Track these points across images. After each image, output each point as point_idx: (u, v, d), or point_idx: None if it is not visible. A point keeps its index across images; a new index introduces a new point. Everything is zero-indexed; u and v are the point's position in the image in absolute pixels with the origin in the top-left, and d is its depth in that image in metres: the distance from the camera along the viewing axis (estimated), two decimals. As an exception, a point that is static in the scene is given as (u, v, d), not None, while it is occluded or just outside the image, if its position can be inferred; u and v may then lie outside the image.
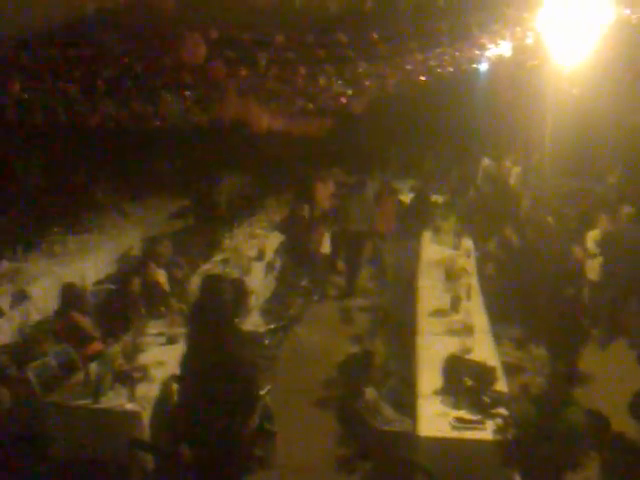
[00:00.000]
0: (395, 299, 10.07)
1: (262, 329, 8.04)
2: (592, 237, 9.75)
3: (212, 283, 5.53)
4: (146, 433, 5.76)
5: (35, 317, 9.30)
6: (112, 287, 9.30)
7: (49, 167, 15.33)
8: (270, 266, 10.76)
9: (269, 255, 11.05)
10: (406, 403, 6.24)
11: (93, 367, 6.23)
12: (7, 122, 12.05)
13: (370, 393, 6.02)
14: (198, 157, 18.25)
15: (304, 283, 10.86)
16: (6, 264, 9.76)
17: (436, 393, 5.92)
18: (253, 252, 10.84)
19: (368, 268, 12.41)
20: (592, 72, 9.73)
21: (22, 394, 6.30)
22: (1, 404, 5.89)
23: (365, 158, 17.48)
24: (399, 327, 8.75)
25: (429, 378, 6.17)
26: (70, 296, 7.74)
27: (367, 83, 10.30)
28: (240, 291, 7.03)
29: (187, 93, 10.00)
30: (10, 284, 9.31)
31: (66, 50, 8.27)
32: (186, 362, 5.15)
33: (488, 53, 9.60)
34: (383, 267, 11.92)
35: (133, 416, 5.72)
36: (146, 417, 5.75)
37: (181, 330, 7.29)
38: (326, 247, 11.86)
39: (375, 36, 7.48)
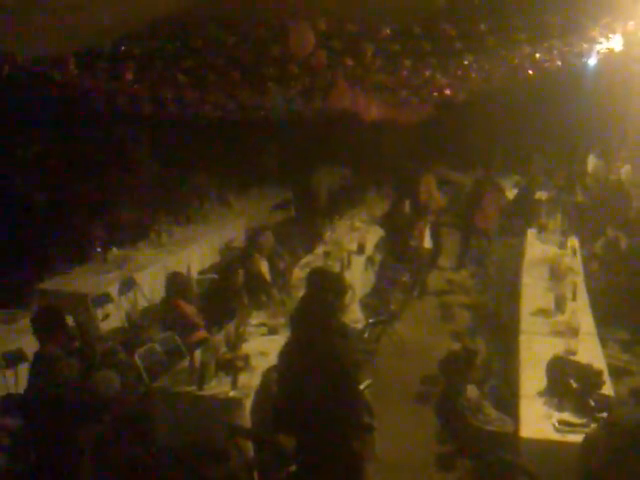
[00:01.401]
0: (498, 297, 9.89)
1: (361, 323, 8.05)
2: None
3: (317, 276, 5.57)
4: (247, 421, 5.86)
5: (142, 304, 9.61)
6: (215, 277, 9.48)
7: (158, 157, 15.77)
8: (370, 260, 10.75)
9: (369, 249, 11.04)
10: (508, 403, 6.13)
11: (197, 354, 6.36)
12: (119, 112, 12.42)
13: (471, 391, 5.93)
14: (301, 148, 18.41)
15: (404, 278, 10.82)
16: (116, 252, 10.07)
17: (539, 394, 5.77)
18: (353, 246, 10.86)
19: (471, 265, 12.28)
20: None
21: (130, 379, 6.50)
22: (111, 388, 6.08)
23: (469, 152, 17.25)
24: (501, 326, 8.61)
25: (532, 379, 6.02)
26: (176, 284, 7.92)
27: (473, 75, 10.12)
28: (341, 285, 7.05)
29: (293, 83, 10.05)
30: (119, 271, 9.63)
31: (177, 41, 8.44)
32: (287, 353, 5.20)
33: (598, 47, 9.29)
34: (485, 264, 11.75)
35: (235, 404, 5.83)
36: (248, 406, 5.84)
37: (282, 321, 7.41)
38: (427, 242, 11.74)
39: (483, 28, 7.32)
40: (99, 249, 9.96)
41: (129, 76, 9.01)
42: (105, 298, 8.92)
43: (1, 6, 6.51)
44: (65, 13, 6.93)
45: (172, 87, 10.14)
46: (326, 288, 5.20)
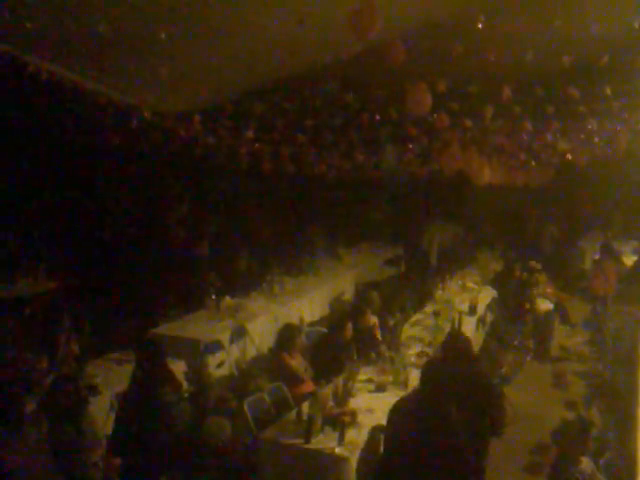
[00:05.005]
0: (614, 366, 9.52)
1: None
2: None
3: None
4: (352, 478, 5.79)
5: (252, 352, 9.73)
6: (325, 330, 9.52)
7: (273, 212, 16.13)
8: (482, 321, 10.57)
9: (481, 310, 10.86)
10: (625, 478, 5.87)
11: (305, 407, 6.38)
12: (239, 170, 12.83)
13: (586, 463, 5.70)
14: (413, 207, 18.44)
15: (516, 342, 10.58)
16: (229, 300, 10.27)
17: (658, 471, 5.51)
18: (465, 306, 10.72)
19: (586, 331, 11.91)
20: None
21: (240, 427, 6.57)
22: (222, 435, 6.17)
23: (586, 216, 16.87)
24: (617, 396, 8.28)
25: (651, 454, 5.77)
26: (284, 337, 8.02)
27: (596, 140, 9.94)
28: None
29: (410, 145, 10.14)
30: (231, 319, 9.80)
31: (296, 100, 8.67)
32: (401, 415, 5.18)
33: None
34: (602, 331, 11.36)
35: (342, 460, 5.77)
36: (353, 463, 5.79)
37: (390, 379, 7.37)
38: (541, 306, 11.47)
39: (608, 92, 7.23)
40: (213, 297, 10.17)
41: (250, 134, 9.30)
42: (217, 345, 9.07)
43: (130, 63, 6.92)
44: (191, 69, 7.29)
45: (291, 145, 10.37)
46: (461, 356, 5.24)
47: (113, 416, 6.76)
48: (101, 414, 6.72)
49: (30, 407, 5.13)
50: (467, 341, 6.36)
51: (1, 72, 6.55)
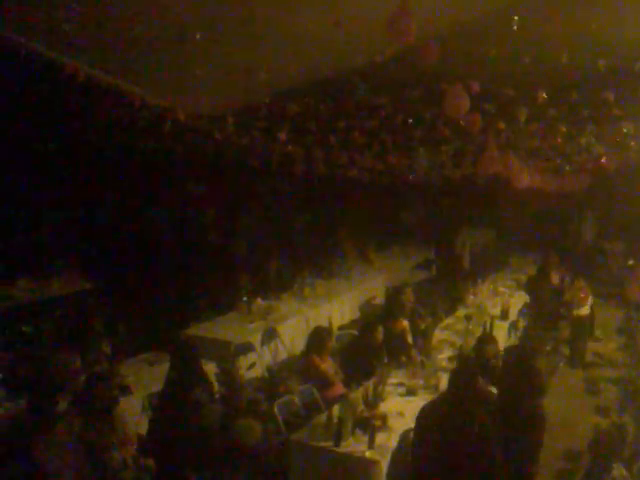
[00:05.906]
0: (647, 372, 9.40)
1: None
2: None
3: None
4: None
5: (282, 354, 9.75)
6: (356, 333, 9.49)
7: (305, 214, 16.16)
8: (514, 327, 10.47)
9: (513, 315, 10.76)
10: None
11: (335, 410, 6.36)
12: (272, 171, 12.85)
13: (618, 470, 5.63)
14: (446, 211, 18.35)
15: (549, 347, 10.46)
16: (260, 302, 10.30)
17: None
18: (497, 310, 10.63)
19: (619, 337, 11.74)
20: None
21: (270, 429, 6.58)
22: (253, 437, 6.17)
23: (622, 221, 16.66)
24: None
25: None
26: (315, 339, 8.01)
27: (632, 143, 9.79)
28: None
29: (444, 147, 10.06)
30: (262, 322, 9.83)
31: (329, 101, 8.65)
32: (424, 420, 5.16)
33: None
34: (636, 337, 11.19)
35: (372, 465, 5.76)
36: (384, 467, 5.76)
37: (421, 383, 7.33)
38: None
39: (645, 95, 7.14)
40: (245, 299, 10.20)
41: (283, 137, 9.31)
42: (248, 347, 9.11)
43: (164, 65, 6.96)
44: (225, 71, 7.31)
45: (323, 148, 10.35)
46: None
47: (145, 416, 6.81)
48: (133, 414, 6.76)
49: (63, 406, 5.17)
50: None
51: (38, 73, 6.63)
